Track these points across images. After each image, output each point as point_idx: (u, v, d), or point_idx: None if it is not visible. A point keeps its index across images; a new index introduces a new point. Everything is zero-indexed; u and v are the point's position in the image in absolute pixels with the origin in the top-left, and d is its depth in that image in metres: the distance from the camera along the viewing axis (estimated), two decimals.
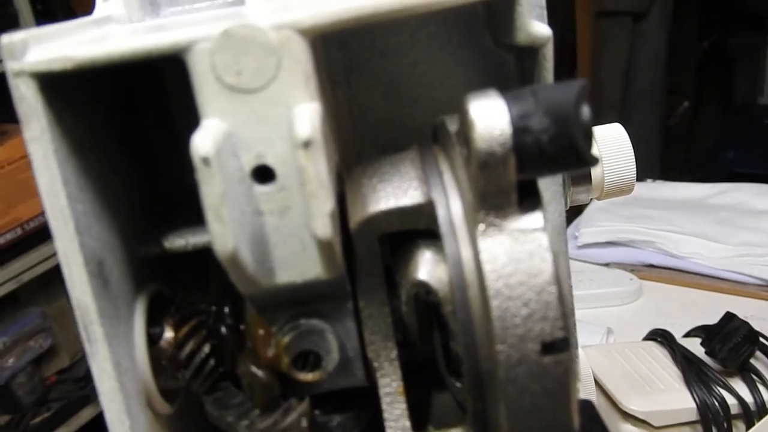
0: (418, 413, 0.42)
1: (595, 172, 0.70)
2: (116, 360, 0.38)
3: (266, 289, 0.37)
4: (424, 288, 0.39)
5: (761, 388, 1.19)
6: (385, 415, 0.41)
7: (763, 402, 1.17)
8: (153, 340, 0.42)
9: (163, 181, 0.48)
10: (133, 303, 0.41)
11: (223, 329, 0.42)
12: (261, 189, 0.35)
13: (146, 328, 0.42)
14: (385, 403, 0.41)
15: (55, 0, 2.54)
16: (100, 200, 0.39)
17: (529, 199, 0.36)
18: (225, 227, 0.33)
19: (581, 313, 1.38)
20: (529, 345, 0.35)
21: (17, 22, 2.17)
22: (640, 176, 1.75)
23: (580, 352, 1.13)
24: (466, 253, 0.37)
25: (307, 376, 0.40)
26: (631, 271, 1.50)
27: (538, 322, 0.35)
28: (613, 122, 0.69)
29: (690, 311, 1.37)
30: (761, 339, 1.23)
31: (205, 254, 0.44)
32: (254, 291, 0.37)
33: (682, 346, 1.30)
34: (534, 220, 0.36)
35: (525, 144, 0.34)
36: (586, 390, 1.12)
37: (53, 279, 2.25)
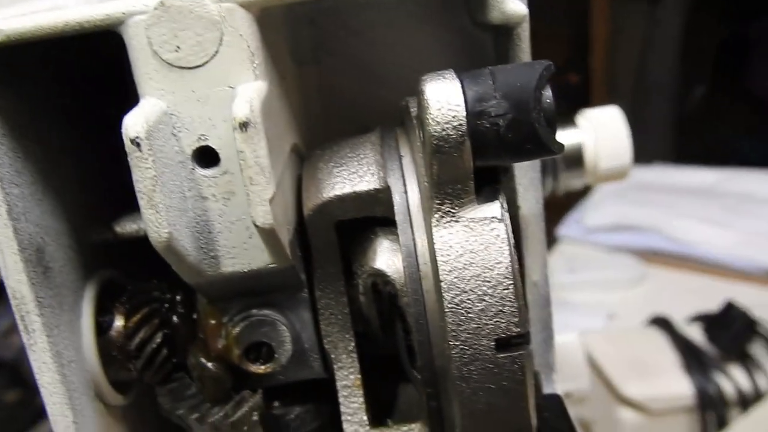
0: (381, 407, 0.41)
1: (589, 156, 0.67)
2: (57, 351, 0.36)
3: (212, 279, 0.36)
4: (382, 278, 0.37)
5: (759, 375, 1.19)
6: (342, 408, 0.39)
7: (759, 389, 1.17)
8: (102, 329, 0.40)
9: (121, 163, 0.46)
10: (80, 291, 0.40)
11: (175, 318, 0.40)
12: (204, 173, 0.34)
13: (95, 317, 0.40)
14: (342, 396, 0.39)
15: None
16: (42, 183, 0.37)
17: (487, 188, 0.34)
18: (158, 214, 0.31)
19: (583, 298, 1.36)
20: (483, 341, 0.33)
21: None
22: (650, 161, 1.73)
23: (573, 339, 1.11)
24: (421, 243, 0.35)
25: (259, 369, 0.39)
26: (636, 256, 1.48)
27: (493, 318, 0.33)
28: (627, 111, 0.67)
29: (693, 298, 1.34)
30: (760, 327, 1.22)
31: None
32: (199, 280, 0.36)
33: (683, 333, 1.28)
34: (492, 209, 0.34)
35: (481, 129, 0.32)
36: (578, 377, 1.10)
37: None
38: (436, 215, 0.34)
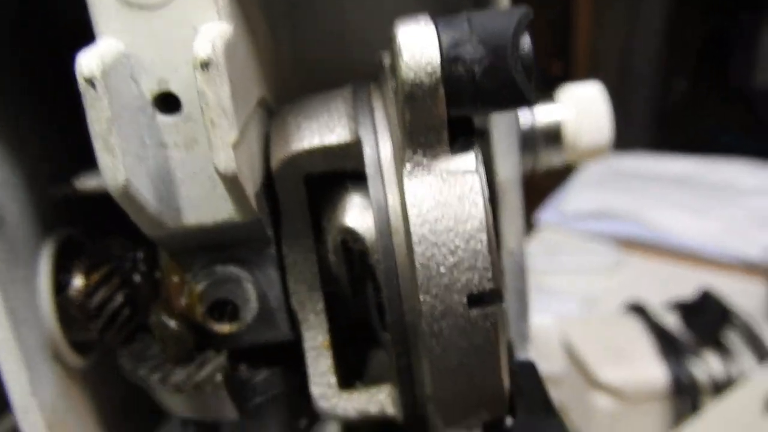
0: (350, 371, 0.39)
1: (568, 132, 0.66)
2: (10, 308, 0.35)
3: (175, 232, 0.34)
4: (351, 235, 0.36)
5: (732, 362, 1.19)
6: (310, 369, 0.38)
7: (732, 375, 1.17)
8: (61, 288, 0.39)
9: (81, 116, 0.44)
10: (37, 248, 0.38)
11: (137, 277, 0.39)
12: (165, 119, 0.32)
13: (53, 275, 0.38)
14: (310, 357, 0.38)
15: None
16: None
17: (462, 139, 0.33)
18: (115, 158, 0.29)
19: (561, 283, 1.36)
20: (454, 296, 0.32)
21: None
22: (630, 149, 1.72)
23: (549, 322, 1.11)
24: (392, 196, 0.34)
25: (224, 328, 0.37)
26: (614, 243, 1.48)
27: (465, 272, 0.32)
28: (610, 100, 0.66)
29: (669, 285, 1.34)
30: (735, 314, 1.23)
31: None
32: (160, 233, 0.34)
33: (659, 320, 1.28)
34: (466, 161, 0.32)
35: (456, 75, 0.31)
36: (552, 360, 1.10)
37: None
38: (408, 166, 0.32)
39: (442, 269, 0.32)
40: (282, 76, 0.47)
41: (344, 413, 0.38)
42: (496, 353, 0.33)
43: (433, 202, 0.32)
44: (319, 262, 0.38)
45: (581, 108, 0.65)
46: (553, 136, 0.66)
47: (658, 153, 1.78)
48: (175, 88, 0.32)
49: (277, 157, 0.36)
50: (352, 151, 0.35)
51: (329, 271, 0.38)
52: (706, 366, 1.18)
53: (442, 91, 0.31)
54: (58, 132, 0.41)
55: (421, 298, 0.32)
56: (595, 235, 1.51)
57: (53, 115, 0.41)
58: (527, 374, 0.39)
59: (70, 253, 0.39)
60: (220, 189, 0.33)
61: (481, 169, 0.32)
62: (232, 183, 0.31)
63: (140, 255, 0.39)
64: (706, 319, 1.22)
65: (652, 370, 1.11)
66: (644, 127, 2.60)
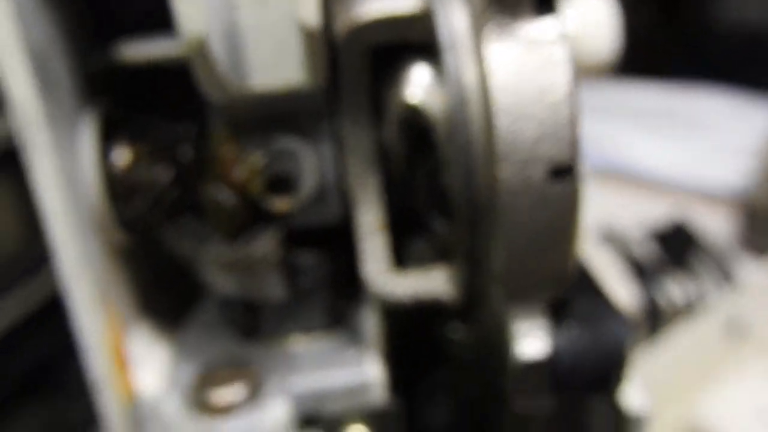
0: (396, 253, 0.39)
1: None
2: (62, 176, 0.33)
3: (238, 97, 0.33)
4: (416, 109, 0.35)
5: (697, 287, 1.23)
6: (364, 250, 0.37)
7: (697, 300, 1.21)
8: (107, 162, 0.37)
9: None
10: (81, 117, 0.36)
11: (186, 152, 0.37)
12: None
13: (98, 149, 0.37)
14: (363, 237, 0.37)
15: None
16: None
17: (546, 5, 0.32)
18: (195, 8, 0.28)
19: None
20: (535, 170, 0.31)
21: None
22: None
23: None
24: (468, 64, 0.33)
25: (281, 203, 0.36)
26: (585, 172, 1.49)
27: (547, 145, 0.31)
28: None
29: (636, 213, 1.36)
30: (702, 241, 1.25)
31: (164, 71, 0.39)
32: (224, 97, 0.33)
33: (627, 244, 1.31)
34: (551, 27, 0.31)
35: None
36: None
37: None
38: (490, 33, 0.31)
39: (524, 141, 0.31)
40: None
41: (397, 294, 0.38)
42: (571, 229, 0.32)
43: (516, 72, 0.31)
44: (377, 140, 0.37)
45: (584, 21, 0.65)
46: None
47: (627, 83, 1.79)
48: None
49: (343, 26, 0.34)
50: (422, 21, 0.34)
51: (385, 151, 0.37)
52: (675, 291, 1.21)
53: None
54: None
55: (500, 171, 0.31)
56: None
57: None
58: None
59: (113, 127, 0.37)
60: (290, 51, 0.32)
61: (566, 38, 0.32)
62: (313, 39, 0.29)
63: (189, 129, 0.37)
64: (677, 246, 1.24)
65: (623, 295, 1.13)
66: None
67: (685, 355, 1.04)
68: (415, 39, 0.34)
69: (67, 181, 0.34)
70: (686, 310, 1.21)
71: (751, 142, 1.48)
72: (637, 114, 1.63)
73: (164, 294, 0.44)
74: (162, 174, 0.37)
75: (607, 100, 1.68)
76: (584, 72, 0.68)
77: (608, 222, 1.33)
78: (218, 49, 0.30)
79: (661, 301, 1.21)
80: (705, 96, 1.68)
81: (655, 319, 1.24)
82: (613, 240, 1.31)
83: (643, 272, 1.24)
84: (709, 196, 1.43)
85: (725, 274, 1.23)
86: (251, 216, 0.36)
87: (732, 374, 1.06)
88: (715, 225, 1.32)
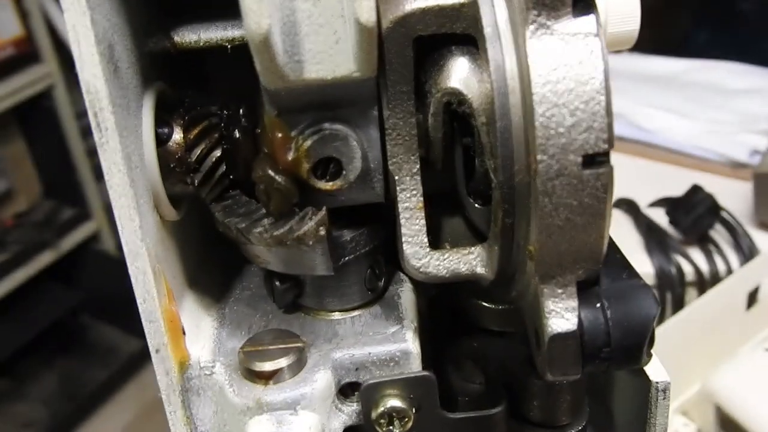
0: (432, 234, 0.41)
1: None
2: (126, 154, 0.36)
3: (293, 85, 0.35)
4: (457, 97, 0.37)
5: (717, 258, 1.23)
6: (403, 230, 0.39)
7: (717, 271, 1.21)
8: (161, 140, 0.39)
9: None
10: (141, 98, 0.39)
11: (236, 133, 0.39)
12: None
13: (154, 127, 0.39)
14: (404, 218, 0.40)
15: None
16: None
17: (582, 2, 0.34)
18: (260, 3, 0.30)
19: None
20: (570, 156, 0.33)
21: None
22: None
23: None
24: (509, 57, 0.35)
25: (327, 185, 0.38)
26: None
27: (583, 133, 0.33)
28: None
29: (656, 183, 1.38)
30: (722, 212, 1.26)
31: (216, 54, 0.41)
32: (280, 86, 0.35)
33: (646, 215, 1.32)
34: (588, 23, 0.33)
35: None
36: None
37: (9, 121, 2.17)
38: (531, 27, 0.33)
39: (561, 129, 0.33)
40: None
41: (435, 272, 0.40)
42: (603, 213, 0.34)
43: (554, 64, 0.33)
44: (417, 126, 0.39)
45: None
46: None
47: (641, 53, 1.79)
48: None
49: (390, 16, 0.36)
50: (465, 12, 0.36)
51: (426, 136, 0.39)
52: (691, 261, 1.23)
53: None
54: None
55: (539, 157, 0.33)
56: None
57: None
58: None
59: (169, 108, 0.40)
60: (343, 44, 0.34)
61: (602, 32, 0.33)
62: (369, 34, 0.31)
63: (241, 110, 0.39)
64: (694, 215, 1.25)
65: (637, 264, 1.14)
66: None
67: (706, 325, 1.05)
68: (458, 30, 0.36)
69: (129, 159, 0.36)
70: (704, 281, 1.22)
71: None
72: (655, 85, 1.64)
73: (212, 267, 0.47)
74: (212, 152, 0.39)
75: (625, 71, 1.68)
76: (610, 44, 0.70)
77: (623, 191, 1.35)
78: (277, 41, 0.32)
79: (679, 272, 1.22)
80: (720, 66, 1.68)
81: (671, 289, 1.25)
82: (629, 206, 1.33)
83: (659, 240, 1.26)
84: (726, 166, 1.44)
85: (743, 244, 1.24)
86: (299, 195, 0.38)
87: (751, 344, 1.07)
88: (732, 195, 1.33)
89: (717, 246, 1.25)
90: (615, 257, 0.40)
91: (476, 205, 0.41)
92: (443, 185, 0.43)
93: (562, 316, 0.36)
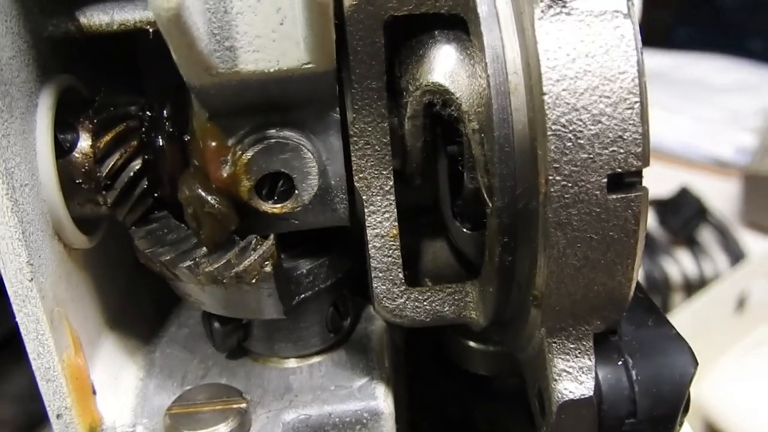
0: (409, 266, 0.33)
1: None
2: (7, 168, 0.27)
3: (225, 81, 0.26)
4: (441, 95, 0.28)
5: (705, 260, 1.20)
6: (373, 263, 0.31)
7: (703, 274, 1.18)
8: (63, 150, 0.30)
9: None
10: (34, 96, 0.30)
11: (160, 140, 0.31)
12: None
13: (54, 133, 0.30)
14: (374, 247, 0.31)
15: None
16: None
17: None
18: None
19: None
20: (592, 177, 0.25)
21: None
22: None
23: None
24: (511, 44, 0.27)
25: (275, 207, 0.30)
26: None
27: (609, 145, 0.25)
28: None
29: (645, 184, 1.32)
30: (710, 215, 1.22)
31: (149, 42, 0.32)
32: (207, 81, 0.26)
33: None
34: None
35: None
36: None
37: None
38: (542, 4, 0.25)
39: (580, 141, 0.25)
40: None
41: (413, 315, 0.32)
42: (632, 249, 0.26)
43: (573, 53, 0.25)
44: (391, 132, 0.30)
45: None
46: None
47: None
48: None
49: None
50: None
51: (402, 144, 0.31)
52: (679, 264, 1.18)
53: None
54: None
55: (550, 177, 0.25)
56: None
57: None
58: None
59: (75, 108, 0.31)
60: (290, 25, 0.25)
61: (634, 11, 0.25)
62: (323, 13, 0.23)
63: (165, 111, 0.31)
64: (682, 217, 1.21)
65: None
66: None
67: (694, 329, 1.00)
68: (441, 9, 0.28)
69: (10, 176, 0.27)
70: (692, 284, 1.17)
71: (755, 112, 1.45)
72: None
73: (142, 299, 0.38)
74: (130, 164, 0.31)
75: None
76: None
77: None
78: (197, 20, 0.24)
79: (667, 275, 1.17)
80: (705, 62, 1.64)
81: (660, 292, 1.20)
82: None
83: (647, 243, 1.20)
84: (712, 165, 1.39)
85: (732, 247, 1.20)
86: (239, 220, 0.30)
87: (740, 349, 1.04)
88: (719, 194, 1.29)
89: (704, 248, 1.22)
90: (638, 296, 0.32)
91: (464, 230, 0.32)
92: (423, 202, 0.34)
93: (575, 378, 0.28)
